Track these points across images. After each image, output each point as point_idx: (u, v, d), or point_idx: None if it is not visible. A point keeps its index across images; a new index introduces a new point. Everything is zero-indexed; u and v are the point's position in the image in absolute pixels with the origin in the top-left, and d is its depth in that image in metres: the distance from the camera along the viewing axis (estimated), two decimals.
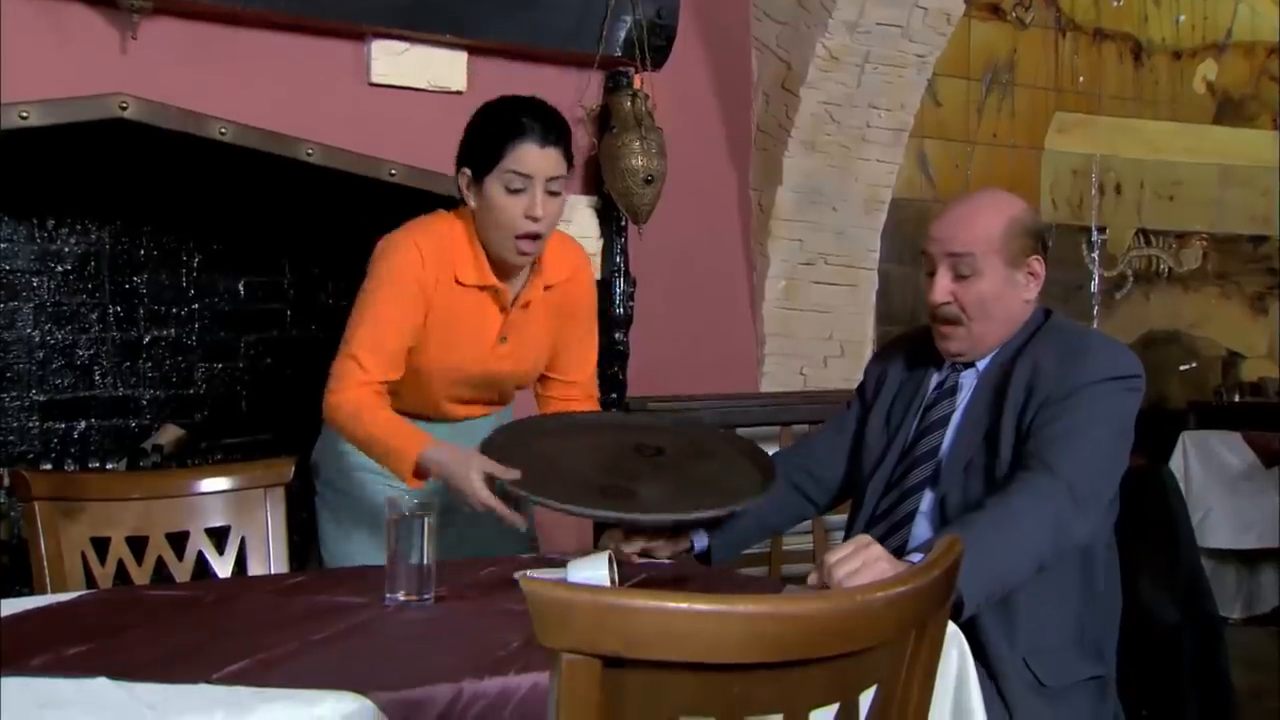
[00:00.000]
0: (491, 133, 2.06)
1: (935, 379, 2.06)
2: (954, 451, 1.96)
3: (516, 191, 2.03)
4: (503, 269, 2.13)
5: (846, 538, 2.01)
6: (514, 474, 1.89)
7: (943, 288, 1.96)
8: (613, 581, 1.72)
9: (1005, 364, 1.97)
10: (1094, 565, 1.90)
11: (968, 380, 2.02)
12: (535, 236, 2.06)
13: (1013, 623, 1.84)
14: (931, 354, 2.07)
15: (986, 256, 1.95)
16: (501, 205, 2.04)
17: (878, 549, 1.64)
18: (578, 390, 2.31)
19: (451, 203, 2.21)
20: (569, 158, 2.09)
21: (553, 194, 2.06)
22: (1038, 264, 2.00)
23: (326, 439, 2.34)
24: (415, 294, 2.08)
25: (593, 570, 1.71)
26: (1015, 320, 2.00)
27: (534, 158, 2.03)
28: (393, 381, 2.12)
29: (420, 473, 1.98)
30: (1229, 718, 2.05)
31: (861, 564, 1.61)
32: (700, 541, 2.09)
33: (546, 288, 2.18)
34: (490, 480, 1.90)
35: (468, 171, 2.09)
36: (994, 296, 1.96)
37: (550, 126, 2.06)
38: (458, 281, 2.11)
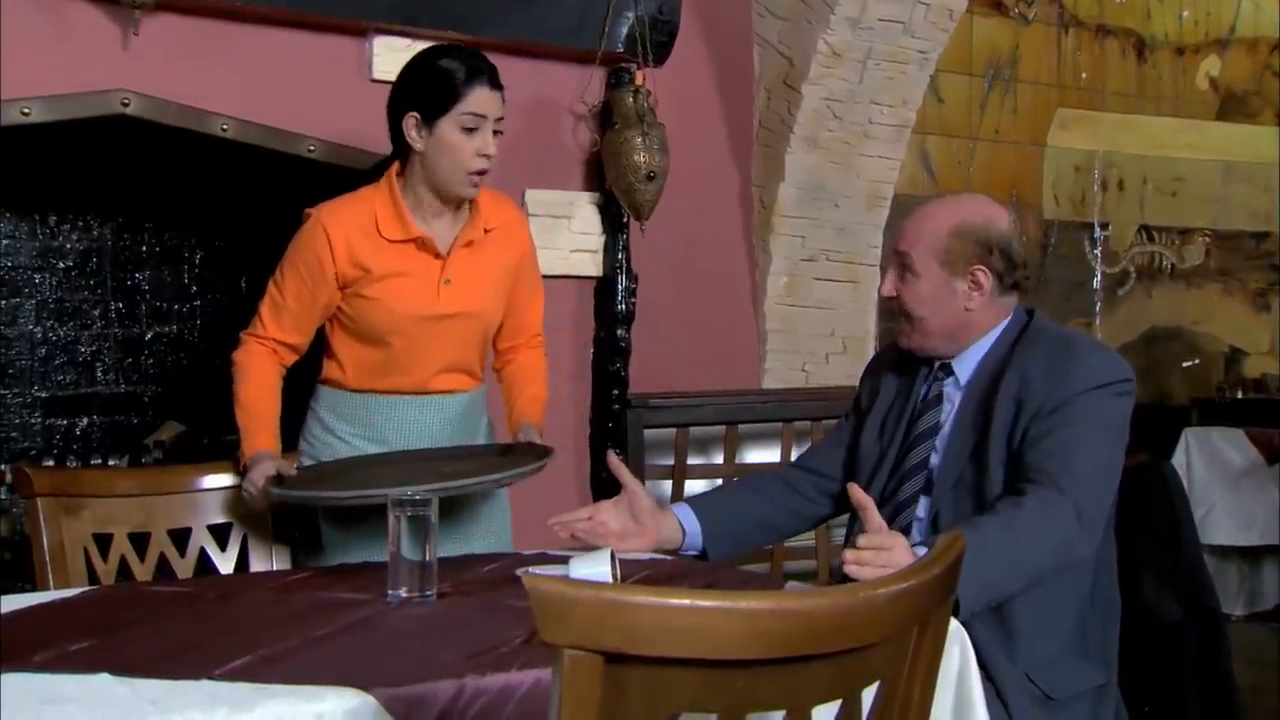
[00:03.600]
0: (444, 79, 2.20)
1: (921, 390, 2.06)
2: (944, 466, 1.95)
3: (470, 130, 2.18)
4: (433, 218, 2.25)
5: (846, 547, 2.03)
6: (291, 471, 2.17)
7: (888, 283, 2.03)
8: (615, 578, 1.72)
9: (991, 375, 1.95)
10: (1092, 572, 1.90)
11: (953, 392, 2.01)
12: (483, 171, 2.22)
13: (1012, 637, 1.83)
14: (918, 363, 2.07)
15: (923, 258, 1.96)
16: (457, 144, 2.19)
17: (902, 557, 1.64)
18: (524, 337, 2.45)
19: None
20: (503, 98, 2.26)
21: (496, 132, 2.22)
22: (983, 275, 1.96)
23: (312, 430, 2.35)
24: (314, 271, 2.24)
25: (594, 567, 1.71)
26: (965, 326, 1.99)
27: (487, 99, 2.20)
28: (354, 360, 2.30)
29: (245, 466, 2.22)
30: (1231, 714, 2.05)
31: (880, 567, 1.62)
32: (694, 541, 2.08)
33: (486, 230, 2.30)
34: (277, 478, 2.15)
35: (416, 115, 2.20)
36: (928, 298, 1.97)
37: (494, 71, 2.23)
38: (383, 238, 2.23)
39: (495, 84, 2.21)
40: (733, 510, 2.15)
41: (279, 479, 2.13)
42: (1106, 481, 1.84)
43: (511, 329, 2.42)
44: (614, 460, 2.08)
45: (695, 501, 2.14)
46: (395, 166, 2.27)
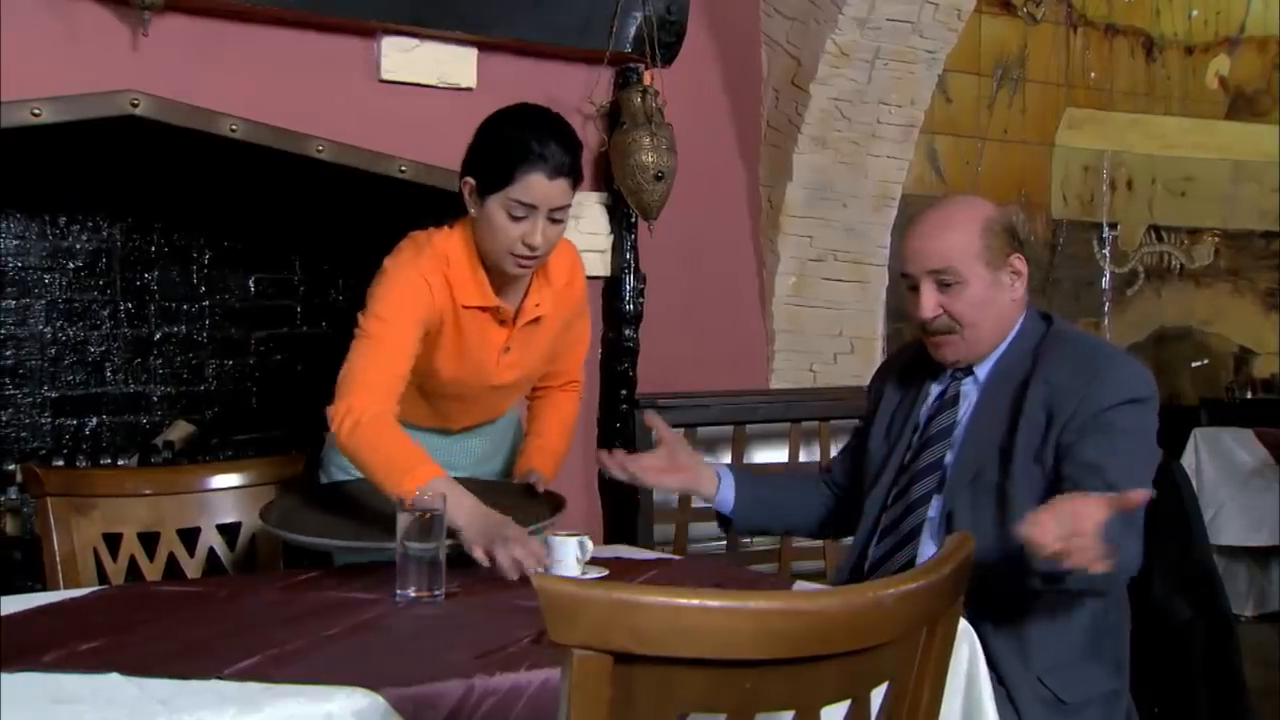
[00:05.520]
0: (501, 155, 2.01)
1: (936, 390, 2.05)
2: (960, 463, 1.94)
3: (518, 218, 2.00)
4: (502, 282, 2.12)
5: (856, 550, 2.03)
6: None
7: (930, 303, 1.95)
8: (581, 559, 1.83)
9: (1012, 376, 1.95)
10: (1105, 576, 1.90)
11: (969, 390, 2.01)
12: (531, 258, 2.05)
13: (1025, 640, 1.83)
14: (930, 364, 2.06)
15: (967, 264, 1.94)
16: (502, 227, 2.01)
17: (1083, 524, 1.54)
18: (559, 380, 2.37)
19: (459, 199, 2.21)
20: (578, 181, 2.05)
21: (556, 220, 2.03)
22: (1019, 262, 1.97)
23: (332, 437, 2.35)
24: (418, 328, 2.06)
25: (562, 553, 1.82)
26: (1008, 321, 1.99)
27: (541, 189, 1.99)
28: (412, 401, 2.16)
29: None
30: (1241, 715, 2.05)
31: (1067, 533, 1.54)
32: (726, 498, 2.14)
33: (553, 297, 2.18)
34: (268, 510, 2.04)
35: (471, 182, 2.05)
36: (982, 301, 1.95)
37: (563, 155, 2.00)
38: (460, 304, 2.09)
39: (558, 171, 1.98)
40: (767, 490, 2.23)
41: (268, 512, 2.04)
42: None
43: (549, 372, 2.34)
44: (651, 415, 2.15)
45: (736, 470, 2.22)
46: (470, 221, 2.09)
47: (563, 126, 2.06)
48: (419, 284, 2.05)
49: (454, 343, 2.12)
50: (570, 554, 1.84)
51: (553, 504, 2.08)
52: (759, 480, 2.24)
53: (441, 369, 2.14)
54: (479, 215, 2.05)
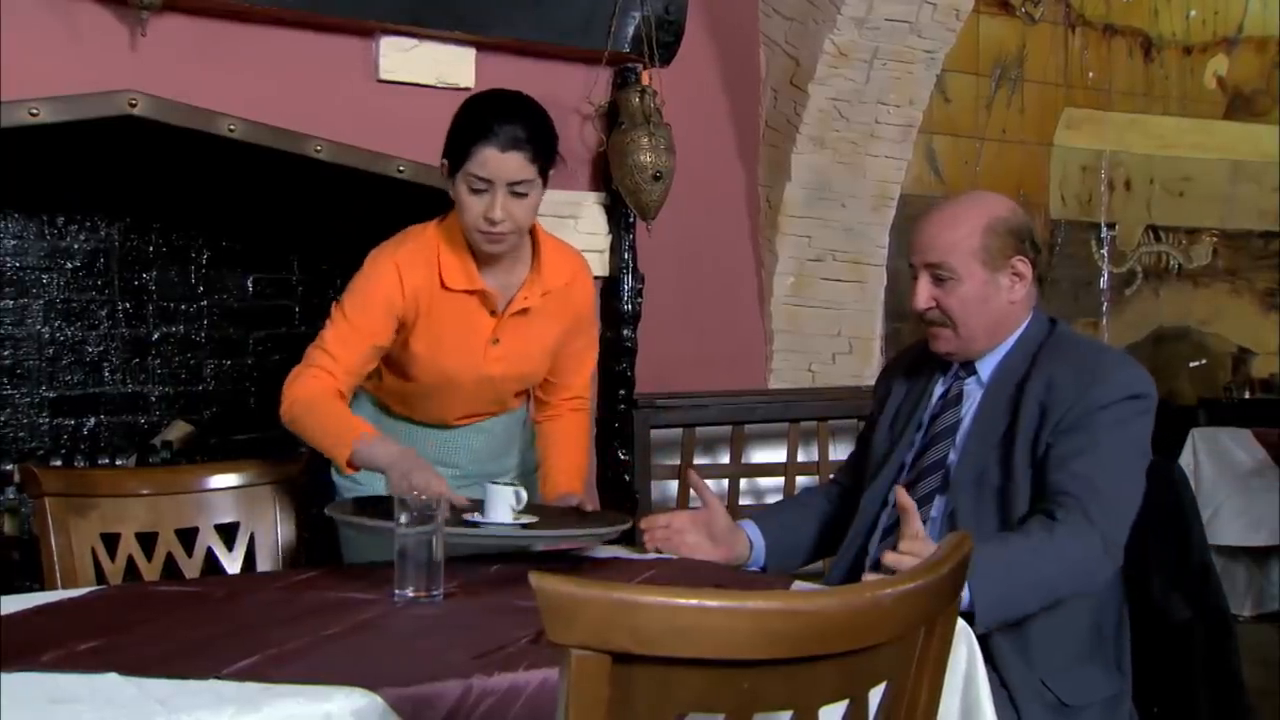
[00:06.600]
0: (459, 133, 2.09)
1: (940, 388, 2.05)
2: (962, 463, 1.94)
3: (478, 192, 2.06)
4: (488, 265, 2.16)
5: (853, 546, 2.03)
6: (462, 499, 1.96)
7: (924, 295, 1.98)
8: (515, 507, 1.88)
9: (1014, 376, 1.95)
10: (1110, 583, 1.90)
11: (972, 389, 2.01)
12: (497, 235, 2.08)
13: (1028, 642, 1.83)
14: (934, 363, 2.07)
15: (963, 262, 1.95)
16: (465, 203, 2.08)
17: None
18: (569, 394, 2.35)
19: None
20: (542, 157, 2.07)
21: (519, 195, 2.06)
22: (1022, 265, 1.97)
23: None
24: (383, 314, 2.13)
25: (496, 500, 1.88)
26: (1004, 322, 1.99)
27: (494, 163, 2.03)
28: (388, 389, 2.23)
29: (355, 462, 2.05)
30: (1240, 715, 2.05)
31: None
32: (759, 556, 2.12)
33: (544, 293, 2.19)
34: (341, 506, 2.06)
35: (445, 163, 2.12)
36: (975, 300, 1.96)
37: (515, 129, 2.04)
38: (445, 287, 2.13)
39: (512, 145, 2.02)
40: (788, 524, 2.21)
41: (338, 507, 2.03)
42: (1131, 507, 1.85)
43: (555, 385, 2.33)
44: (695, 479, 2.13)
45: (759, 518, 2.19)
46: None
47: (522, 104, 2.11)
48: (388, 273, 2.13)
49: (430, 326, 2.15)
50: (504, 502, 1.89)
51: (619, 517, 2.07)
52: (780, 524, 2.20)
53: (420, 352, 2.16)
54: (453, 194, 2.11)
